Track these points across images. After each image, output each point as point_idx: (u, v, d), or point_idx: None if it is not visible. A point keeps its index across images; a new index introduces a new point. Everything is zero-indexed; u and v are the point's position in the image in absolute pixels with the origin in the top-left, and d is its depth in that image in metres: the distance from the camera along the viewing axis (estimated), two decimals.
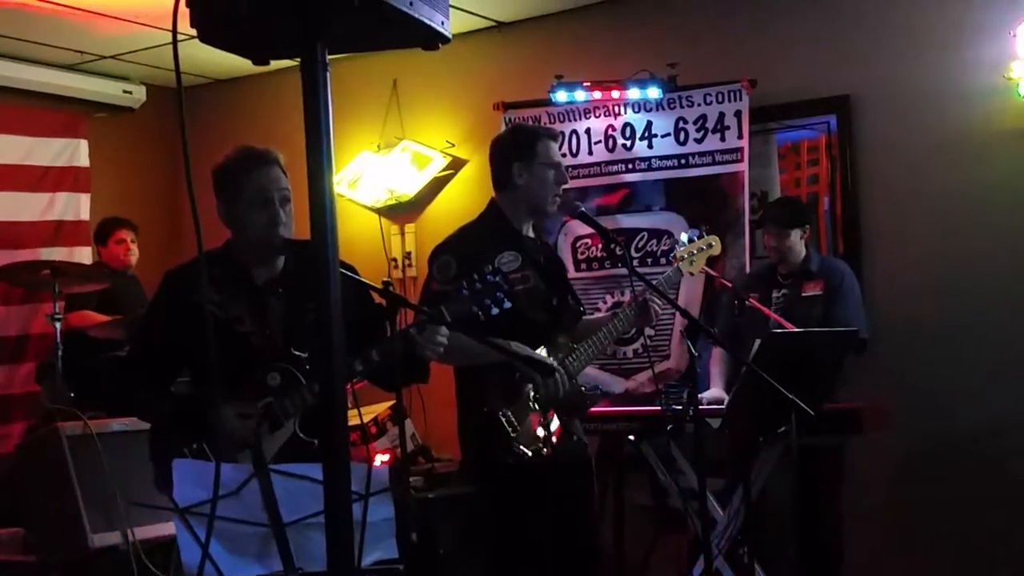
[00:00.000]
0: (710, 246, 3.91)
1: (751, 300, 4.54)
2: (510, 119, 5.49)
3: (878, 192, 5.09)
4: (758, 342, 3.84)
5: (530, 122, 5.40)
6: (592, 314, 5.07)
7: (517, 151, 3.61)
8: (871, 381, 4.71)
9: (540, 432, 3.39)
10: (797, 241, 4.64)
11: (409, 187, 6.12)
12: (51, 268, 5.32)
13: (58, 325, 5.20)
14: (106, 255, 5.93)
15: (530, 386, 3.39)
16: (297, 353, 2.91)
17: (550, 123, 5.49)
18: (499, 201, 3.62)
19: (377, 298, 2.83)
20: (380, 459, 5.14)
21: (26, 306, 6.07)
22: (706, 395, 4.54)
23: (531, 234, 3.65)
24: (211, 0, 1.48)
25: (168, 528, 3.36)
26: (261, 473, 2.42)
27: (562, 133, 5.52)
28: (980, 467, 4.72)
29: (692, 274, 3.94)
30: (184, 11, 1.49)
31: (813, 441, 4.03)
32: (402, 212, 6.27)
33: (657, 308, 3.62)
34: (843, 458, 4.60)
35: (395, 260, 6.29)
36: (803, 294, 4.61)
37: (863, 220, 5.13)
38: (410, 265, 6.26)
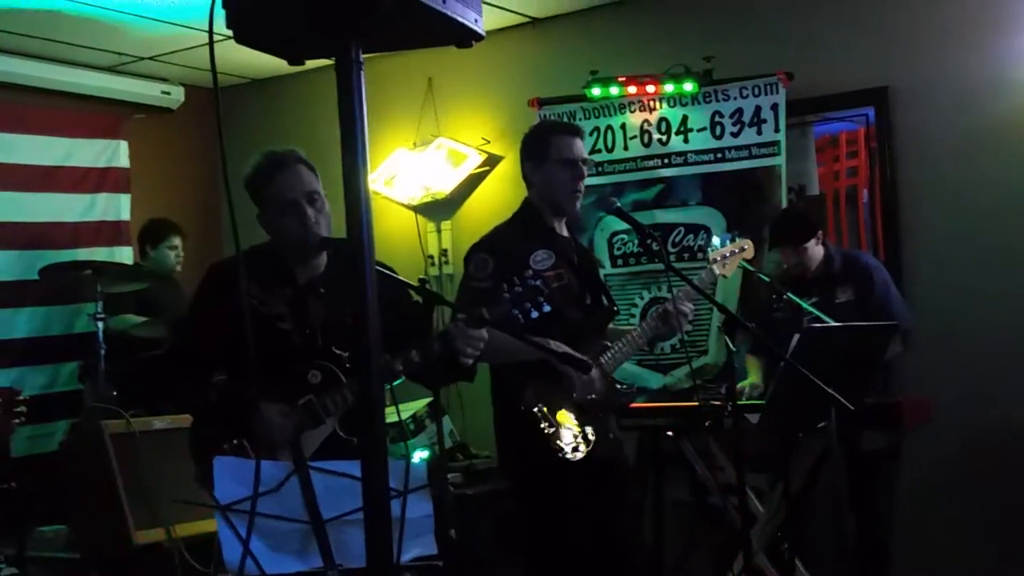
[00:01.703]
0: (743, 250, 3.91)
1: (789, 296, 4.51)
2: (545, 115, 5.49)
3: (918, 184, 5.04)
4: (796, 337, 3.81)
5: (565, 118, 5.39)
6: (629, 310, 5.08)
7: (529, 150, 3.63)
8: (912, 375, 4.66)
9: (577, 429, 3.39)
10: (814, 247, 4.58)
11: (445, 184, 6.13)
12: (93, 268, 5.39)
13: (100, 324, 5.26)
14: (154, 257, 5.96)
15: (566, 383, 3.39)
16: (338, 352, 2.93)
17: (585, 119, 5.48)
18: (531, 199, 3.63)
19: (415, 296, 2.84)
20: (418, 456, 5.15)
21: (69, 306, 6.14)
22: (744, 384, 4.51)
23: (565, 233, 3.65)
24: (246, 1, 1.49)
25: (210, 525, 3.39)
26: (301, 470, 2.44)
27: (597, 129, 5.51)
28: None
29: (725, 276, 3.93)
30: (220, 12, 1.50)
31: (856, 436, 4.00)
32: (438, 209, 6.28)
33: (687, 311, 3.60)
34: (896, 455, 4.53)
35: (431, 257, 6.31)
36: (836, 301, 4.52)
37: (903, 213, 5.07)
38: (447, 262, 6.27)
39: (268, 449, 2.81)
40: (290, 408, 2.86)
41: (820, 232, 4.63)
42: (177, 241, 5.96)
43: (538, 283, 2.97)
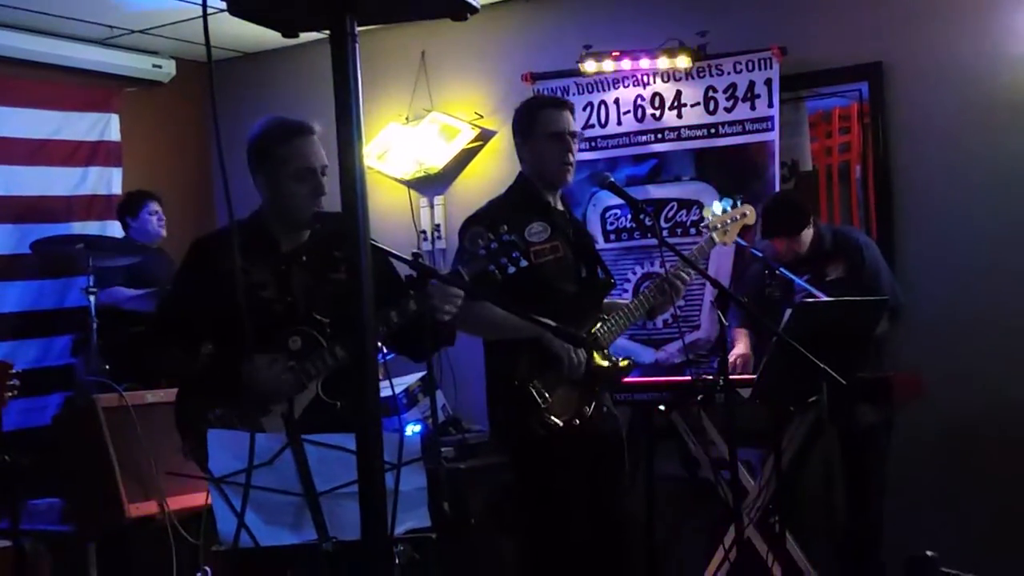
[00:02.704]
0: (744, 215, 3.89)
1: (781, 270, 4.51)
2: (539, 90, 5.47)
3: (911, 160, 5.03)
4: (788, 311, 3.82)
5: (558, 93, 5.38)
6: (622, 285, 5.09)
7: (518, 125, 3.65)
8: (904, 353, 4.68)
9: (570, 403, 3.40)
10: (807, 231, 4.54)
11: (438, 159, 6.12)
12: (85, 242, 5.37)
13: (92, 298, 5.25)
14: (136, 228, 5.96)
15: (560, 358, 3.40)
16: (319, 318, 2.94)
17: (579, 94, 5.47)
18: (525, 173, 3.64)
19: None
20: (411, 429, 5.17)
21: (60, 279, 6.13)
22: (732, 352, 4.49)
23: (560, 206, 3.65)
24: None
25: (202, 498, 3.40)
26: (295, 443, 2.45)
27: (590, 104, 5.50)
28: (1018, 442, 4.69)
29: (725, 243, 3.92)
30: None
31: (847, 410, 4.02)
32: (431, 184, 6.27)
33: (684, 280, 3.60)
34: (888, 430, 4.55)
35: (424, 232, 6.30)
36: (827, 278, 4.50)
37: (896, 189, 5.07)
38: (439, 237, 6.26)
39: (253, 416, 2.82)
40: (275, 358, 2.87)
41: (812, 218, 4.61)
42: (155, 207, 5.93)
43: (513, 238, 2.98)
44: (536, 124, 3.57)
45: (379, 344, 2.91)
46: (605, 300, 3.71)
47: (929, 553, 4.24)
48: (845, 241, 4.62)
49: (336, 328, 2.93)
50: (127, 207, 6.01)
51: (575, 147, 3.62)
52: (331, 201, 2.44)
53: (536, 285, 3.28)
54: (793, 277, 4.41)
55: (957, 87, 4.90)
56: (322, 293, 2.97)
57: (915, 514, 4.72)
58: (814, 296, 4.29)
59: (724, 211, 3.85)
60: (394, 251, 2.86)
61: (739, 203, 3.90)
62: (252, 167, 3.02)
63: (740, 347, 4.64)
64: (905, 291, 4.65)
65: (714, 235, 3.79)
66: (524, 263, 2.98)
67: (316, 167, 2.97)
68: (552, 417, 3.36)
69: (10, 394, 4.07)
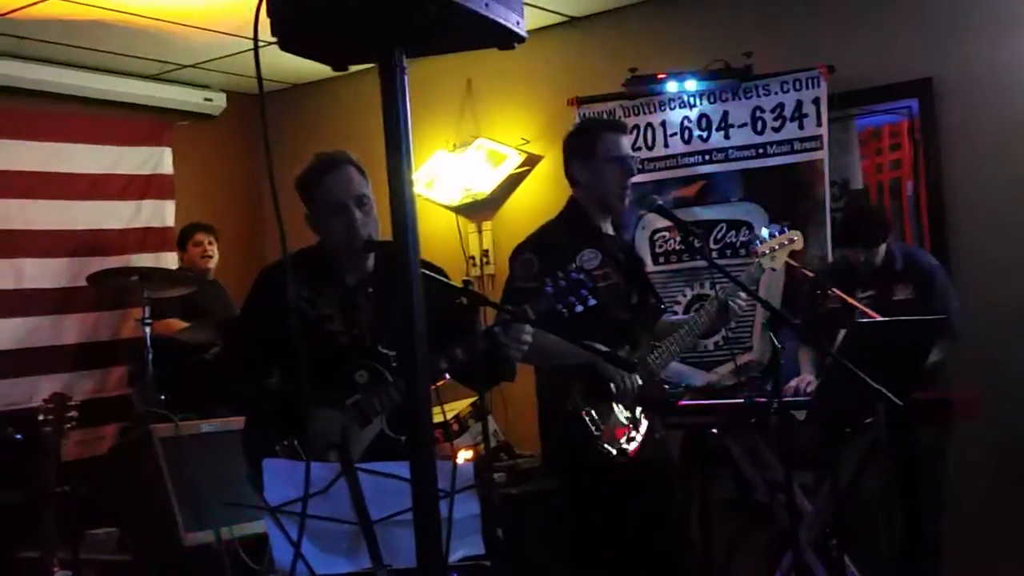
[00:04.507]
0: (792, 241, 3.85)
1: (834, 291, 4.46)
2: (584, 114, 5.48)
3: (963, 176, 4.97)
4: (843, 332, 3.77)
5: (604, 116, 5.39)
6: (672, 308, 5.06)
7: (576, 148, 3.60)
8: (960, 371, 4.60)
9: (626, 431, 3.38)
10: (883, 248, 4.49)
11: (485, 185, 6.14)
12: (139, 274, 5.46)
13: (148, 329, 5.33)
14: (186, 260, 6.08)
15: (612, 385, 3.38)
16: (385, 351, 2.95)
17: (625, 117, 5.46)
18: (576, 198, 3.62)
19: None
20: (463, 456, 5.17)
21: (116, 312, 6.23)
22: (794, 382, 4.44)
23: (610, 231, 3.64)
24: (291, 8, 1.50)
25: (259, 527, 3.42)
26: (349, 472, 2.46)
27: (637, 127, 5.50)
28: None
29: (774, 270, 3.88)
30: (264, 19, 1.52)
31: (904, 432, 3.96)
32: (478, 210, 6.30)
33: (739, 307, 3.57)
34: (944, 450, 4.47)
35: (473, 258, 6.32)
36: (894, 298, 4.43)
37: (948, 205, 5.01)
38: (488, 263, 6.28)
39: (320, 449, 2.83)
40: (340, 410, 2.88)
41: (890, 232, 4.55)
42: (201, 237, 6.03)
43: (581, 277, 2.96)
44: (596, 148, 3.53)
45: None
46: (658, 324, 3.69)
47: None
48: (916, 263, 4.55)
49: (401, 363, 2.92)
50: (180, 240, 6.14)
51: (634, 172, 3.61)
52: (386, 229, 2.46)
53: (589, 311, 3.27)
54: (844, 296, 4.36)
55: (1007, 101, 4.84)
56: (388, 326, 2.96)
57: (975, 537, 4.63)
58: (869, 316, 4.24)
59: (772, 236, 3.83)
60: (447, 279, 2.87)
61: (786, 229, 3.87)
62: (304, 204, 3.06)
63: (805, 372, 4.56)
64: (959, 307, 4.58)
65: (762, 261, 3.76)
66: (592, 302, 2.95)
67: (346, 201, 2.95)
68: (605, 445, 3.34)
69: (68, 425, 4.12)
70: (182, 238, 6.14)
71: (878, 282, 4.50)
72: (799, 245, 3.91)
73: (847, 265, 4.59)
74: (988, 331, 4.75)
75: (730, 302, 3.52)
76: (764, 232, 3.87)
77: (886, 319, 4.15)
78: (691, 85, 5.30)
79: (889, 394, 3.21)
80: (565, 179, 3.67)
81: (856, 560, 4.32)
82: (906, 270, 4.51)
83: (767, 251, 3.76)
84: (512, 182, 6.19)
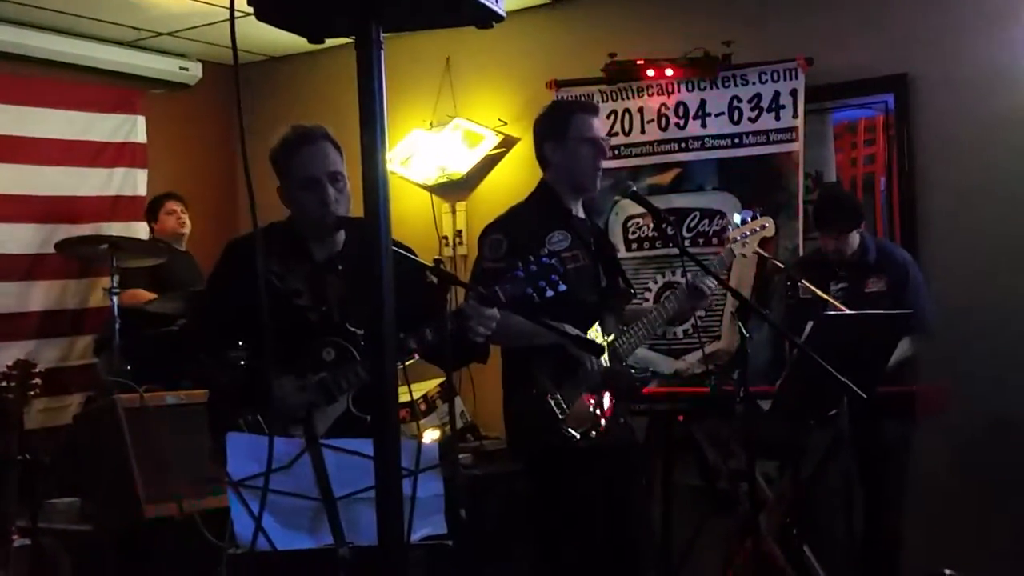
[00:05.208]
0: (763, 227, 3.85)
1: (804, 282, 4.48)
2: (563, 97, 5.47)
3: (936, 172, 5.01)
4: (810, 324, 3.79)
5: (582, 100, 5.38)
6: (642, 294, 5.07)
7: (549, 129, 3.58)
8: (928, 365, 4.64)
9: (588, 414, 3.39)
10: (855, 236, 4.54)
11: (461, 165, 6.12)
12: (109, 242, 5.40)
13: (115, 299, 5.28)
14: (158, 229, 6.02)
15: (579, 367, 3.39)
16: (353, 329, 2.93)
17: (603, 101, 5.46)
18: (548, 180, 3.61)
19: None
20: (429, 436, 5.17)
21: (84, 280, 6.17)
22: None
23: (581, 214, 3.63)
24: None
25: (221, 500, 3.41)
26: (313, 447, 2.45)
27: (614, 112, 5.50)
28: None
29: (745, 256, 3.89)
30: None
31: (868, 424, 3.99)
32: (453, 190, 6.28)
33: (708, 290, 3.58)
34: (907, 443, 4.50)
35: (446, 238, 6.31)
36: (866, 290, 4.46)
37: (920, 201, 5.05)
38: (461, 243, 6.27)
39: (281, 423, 2.82)
40: (304, 383, 2.87)
41: (863, 221, 4.57)
42: (174, 206, 5.99)
43: (553, 262, 2.96)
44: (569, 128, 3.52)
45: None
46: (627, 307, 3.69)
47: (948, 572, 4.21)
48: (890, 256, 4.57)
49: (369, 341, 2.91)
50: (150, 211, 6.08)
51: (607, 153, 3.60)
52: (358, 206, 2.45)
53: (559, 295, 3.27)
54: (815, 289, 4.39)
55: (983, 99, 4.87)
56: (356, 303, 2.94)
57: (934, 529, 4.68)
58: (837, 308, 4.26)
59: (743, 222, 3.82)
60: (418, 258, 2.86)
61: (757, 215, 3.87)
62: (276, 176, 3.03)
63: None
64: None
65: (733, 247, 3.76)
66: (563, 287, 2.95)
67: (320, 176, 2.92)
68: (570, 428, 3.35)
69: (32, 393, 4.09)
70: (152, 209, 6.07)
71: (851, 273, 4.52)
72: (771, 232, 3.91)
73: (820, 257, 4.61)
74: (956, 327, 4.80)
75: (699, 284, 3.52)
76: (736, 218, 3.87)
77: (853, 312, 4.17)
78: (669, 72, 5.30)
79: (854, 387, 3.24)
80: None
81: (816, 550, 4.36)
82: (879, 262, 4.53)
83: (739, 237, 3.76)
84: (488, 163, 6.17)
